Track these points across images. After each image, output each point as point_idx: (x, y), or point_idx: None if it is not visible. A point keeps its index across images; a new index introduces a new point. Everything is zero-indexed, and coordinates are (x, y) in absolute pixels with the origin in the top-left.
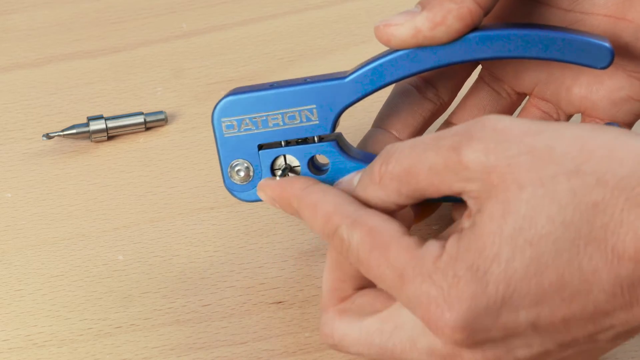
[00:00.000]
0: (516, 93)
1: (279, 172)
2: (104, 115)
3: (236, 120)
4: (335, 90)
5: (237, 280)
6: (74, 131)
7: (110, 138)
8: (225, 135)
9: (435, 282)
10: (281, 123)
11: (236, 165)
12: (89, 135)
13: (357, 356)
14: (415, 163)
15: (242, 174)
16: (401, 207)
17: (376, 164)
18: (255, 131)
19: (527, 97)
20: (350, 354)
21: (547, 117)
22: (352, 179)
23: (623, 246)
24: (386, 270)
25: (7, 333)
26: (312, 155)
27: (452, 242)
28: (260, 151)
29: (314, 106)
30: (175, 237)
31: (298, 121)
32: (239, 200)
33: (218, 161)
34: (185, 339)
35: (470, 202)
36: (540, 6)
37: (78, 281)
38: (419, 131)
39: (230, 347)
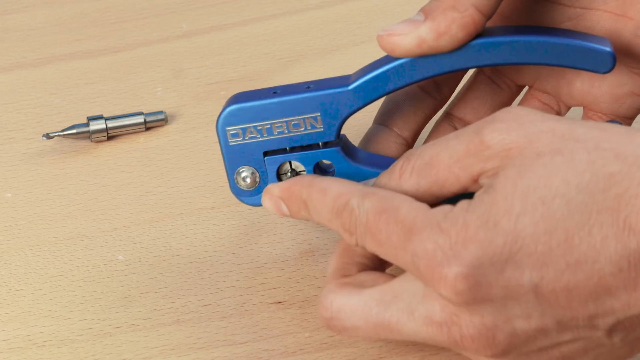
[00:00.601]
0: (517, 85)
1: (285, 178)
2: (104, 115)
3: (241, 128)
4: (339, 98)
5: (237, 280)
6: (74, 131)
7: (110, 138)
8: (231, 144)
9: (444, 230)
10: (286, 131)
11: (242, 171)
12: (89, 135)
13: (352, 333)
14: (437, 153)
15: (248, 180)
16: None
17: (398, 163)
18: (260, 139)
19: (527, 87)
20: (346, 330)
21: (548, 108)
22: (367, 182)
23: (636, 219)
24: (395, 227)
25: (7, 333)
26: (317, 160)
27: (464, 200)
28: (265, 158)
29: (318, 114)
30: (175, 237)
31: (303, 129)
32: (239, 201)
33: (224, 167)
34: (185, 339)
35: (485, 181)
36: (541, 1)
37: (78, 281)
38: (421, 128)
39: (230, 347)
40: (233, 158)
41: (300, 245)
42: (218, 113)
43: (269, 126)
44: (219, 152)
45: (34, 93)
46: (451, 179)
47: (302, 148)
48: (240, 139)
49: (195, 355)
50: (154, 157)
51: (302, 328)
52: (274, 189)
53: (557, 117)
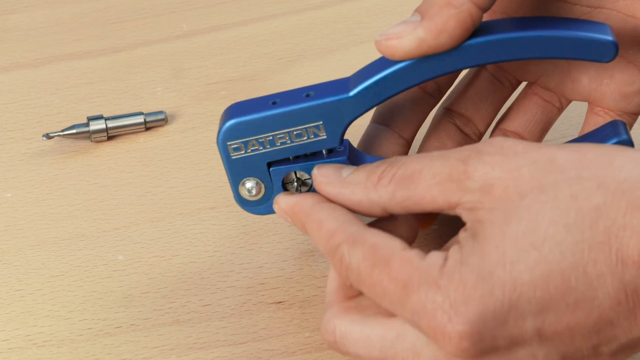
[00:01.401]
0: (519, 82)
1: (290, 187)
2: (104, 115)
3: (242, 142)
4: (341, 106)
5: (237, 280)
6: (74, 131)
7: (110, 138)
8: (233, 157)
9: (441, 288)
10: (288, 141)
11: (247, 183)
12: (89, 135)
13: (356, 358)
14: (420, 169)
15: (253, 191)
16: (383, 214)
17: (380, 166)
18: (263, 151)
19: (527, 83)
20: (349, 354)
21: (549, 105)
22: (340, 169)
23: (627, 250)
24: (389, 285)
25: (7, 333)
26: None
27: (455, 249)
28: (270, 169)
29: (321, 122)
30: (175, 237)
31: (305, 138)
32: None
33: (227, 179)
34: (185, 339)
35: (465, 215)
36: None
37: (78, 281)
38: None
39: (230, 347)
40: (236, 171)
41: (300, 245)
42: (218, 113)
43: (271, 138)
44: (219, 152)
45: (34, 93)
46: (428, 199)
47: (306, 157)
48: (243, 152)
49: (195, 355)
50: (154, 157)
51: (302, 328)
52: (280, 201)
53: (538, 146)
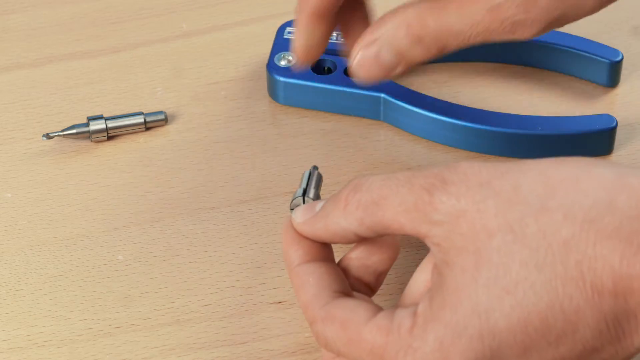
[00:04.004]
0: None
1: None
2: (104, 115)
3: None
4: None
5: (237, 280)
6: (74, 131)
7: (110, 138)
8: (284, 37)
9: (417, 350)
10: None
11: (283, 55)
12: (89, 135)
13: None
14: (386, 195)
15: (283, 62)
16: (359, 239)
17: (344, 190)
18: None
19: None
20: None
21: None
22: (315, 206)
23: (601, 282)
24: (367, 358)
25: (7, 333)
26: None
27: (424, 304)
28: None
29: None
30: (175, 237)
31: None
32: (239, 200)
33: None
34: (185, 339)
35: (433, 249)
36: None
37: (78, 281)
38: None
39: (230, 347)
40: (280, 45)
41: None
42: (218, 113)
43: None
44: (219, 152)
45: (34, 93)
46: (396, 225)
47: None
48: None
49: (195, 355)
50: (154, 157)
51: (302, 328)
52: (283, 232)
53: (502, 173)
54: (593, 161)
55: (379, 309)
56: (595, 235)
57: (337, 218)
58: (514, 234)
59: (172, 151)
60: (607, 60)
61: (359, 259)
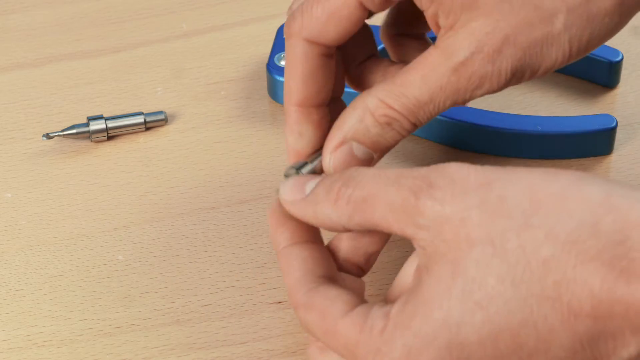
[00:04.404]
0: None
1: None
2: (104, 115)
3: None
4: None
5: (237, 280)
6: (74, 131)
7: (110, 138)
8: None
9: (385, 355)
10: None
11: (283, 55)
12: (89, 135)
13: None
14: (376, 194)
15: (283, 62)
16: (347, 231)
17: (336, 182)
18: None
19: None
20: None
21: None
22: (305, 184)
23: (579, 304)
24: (342, 351)
25: (7, 333)
26: None
27: (397, 308)
28: None
29: None
30: (175, 237)
31: None
32: (239, 200)
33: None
34: (185, 339)
35: (419, 252)
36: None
37: (78, 281)
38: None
39: (230, 347)
40: (282, 44)
41: None
42: (218, 113)
43: None
44: (219, 152)
45: (34, 93)
46: (384, 225)
47: None
48: None
49: (195, 355)
50: (154, 157)
51: (302, 328)
52: (273, 207)
53: (490, 181)
54: (584, 177)
55: (358, 302)
56: (576, 257)
57: (327, 210)
58: (494, 247)
59: (172, 151)
60: (607, 60)
61: (349, 240)
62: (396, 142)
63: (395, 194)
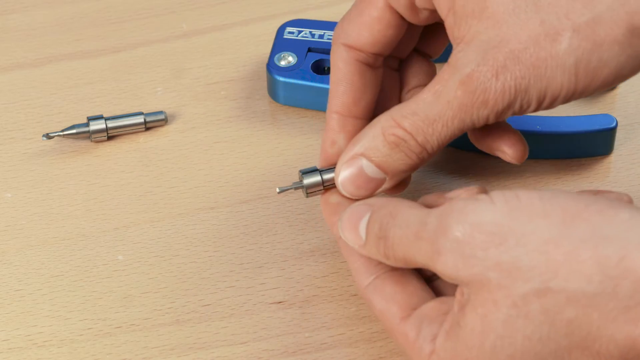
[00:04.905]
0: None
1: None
2: (104, 115)
3: (297, 30)
4: None
5: (237, 280)
6: (74, 131)
7: (110, 138)
8: (284, 37)
9: None
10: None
11: (283, 55)
12: (89, 135)
13: None
14: (408, 256)
15: (283, 62)
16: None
17: (380, 241)
18: (310, 39)
19: None
20: None
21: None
22: (357, 226)
23: (608, 351)
24: (401, 347)
25: (7, 333)
26: None
27: (440, 342)
28: (308, 53)
29: None
30: (175, 237)
31: None
32: (239, 200)
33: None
34: (185, 339)
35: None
36: None
37: (78, 281)
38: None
39: (230, 347)
40: (281, 45)
41: (300, 245)
42: (218, 113)
43: (322, 33)
44: (219, 152)
45: (34, 93)
46: (418, 267)
47: None
48: (294, 35)
49: (195, 355)
50: (154, 157)
51: (302, 328)
52: (339, 227)
53: (500, 242)
54: (597, 233)
55: (413, 303)
56: (599, 319)
57: (384, 261)
58: (517, 309)
59: (172, 151)
60: None
61: None
62: (408, 167)
63: (420, 258)
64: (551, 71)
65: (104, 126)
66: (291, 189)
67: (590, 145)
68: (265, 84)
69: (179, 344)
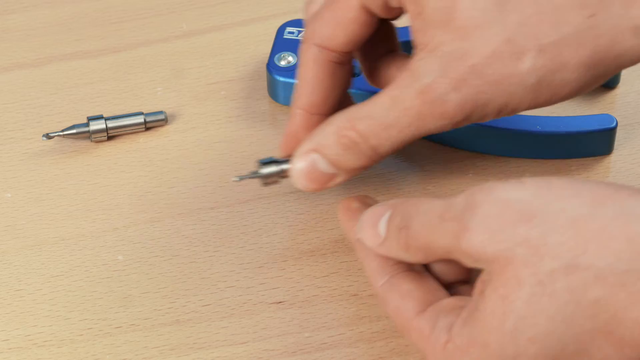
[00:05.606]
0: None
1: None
2: (104, 115)
3: (297, 30)
4: None
5: (237, 280)
6: (74, 131)
7: (110, 138)
8: (284, 37)
9: None
10: None
11: (283, 55)
12: (89, 135)
13: None
14: (430, 241)
15: (283, 62)
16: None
17: (402, 231)
18: None
19: None
20: None
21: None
22: (377, 224)
23: (632, 337)
24: (416, 345)
25: (7, 333)
26: None
27: (457, 328)
28: None
29: None
30: (175, 237)
31: None
32: (239, 200)
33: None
34: (185, 339)
35: (484, 271)
36: None
37: (78, 281)
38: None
39: (230, 347)
40: (281, 45)
41: (300, 245)
42: (218, 113)
43: None
44: (219, 152)
45: (34, 93)
46: (452, 258)
47: None
48: (294, 35)
49: (195, 355)
50: (154, 157)
51: (302, 328)
52: (340, 210)
53: (530, 211)
54: (627, 212)
55: (429, 298)
56: (626, 298)
57: (404, 256)
58: (542, 287)
59: (172, 151)
60: None
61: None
62: (360, 167)
63: (443, 240)
64: (512, 88)
65: (104, 126)
66: (249, 178)
67: (590, 145)
68: (265, 84)
69: (179, 344)
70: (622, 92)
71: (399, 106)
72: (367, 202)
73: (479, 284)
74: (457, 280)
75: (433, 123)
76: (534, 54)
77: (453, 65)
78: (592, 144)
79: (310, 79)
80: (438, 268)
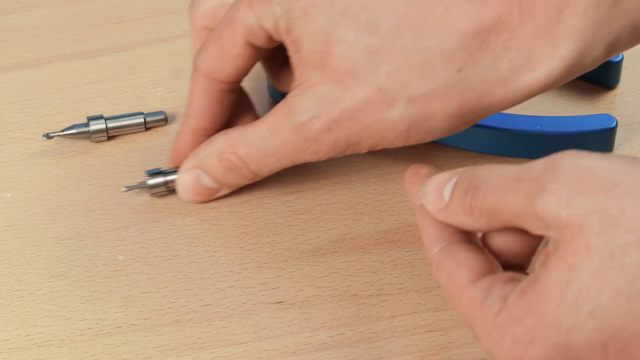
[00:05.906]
0: None
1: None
2: (104, 115)
3: None
4: None
5: (237, 280)
6: (74, 131)
7: (110, 138)
8: None
9: (496, 342)
10: None
11: None
12: (89, 135)
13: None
14: (500, 203)
15: None
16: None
17: (467, 193)
18: None
19: None
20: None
21: None
22: (442, 189)
23: None
24: (464, 316)
25: (7, 333)
26: None
27: (514, 297)
28: None
29: None
30: (175, 237)
31: None
32: (239, 200)
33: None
34: (185, 339)
35: (550, 242)
36: None
37: (78, 281)
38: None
39: (230, 347)
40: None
41: (300, 245)
42: None
43: None
44: None
45: (34, 93)
46: (518, 226)
47: None
48: None
49: (195, 355)
50: (154, 157)
51: (302, 328)
52: (406, 175)
53: (610, 186)
54: None
55: (485, 269)
56: None
57: (467, 220)
58: (612, 259)
59: None
60: (607, 60)
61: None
62: (242, 184)
63: (515, 201)
64: (383, 132)
65: (104, 126)
66: (137, 188)
67: (590, 146)
68: (265, 84)
69: (179, 344)
70: (622, 92)
71: (276, 139)
72: (436, 171)
73: (542, 256)
74: (514, 263)
75: (308, 156)
76: (403, 104)
77: (327, 107)
78: (592, 144)
79: (199, 107)
80: (497, 245)
